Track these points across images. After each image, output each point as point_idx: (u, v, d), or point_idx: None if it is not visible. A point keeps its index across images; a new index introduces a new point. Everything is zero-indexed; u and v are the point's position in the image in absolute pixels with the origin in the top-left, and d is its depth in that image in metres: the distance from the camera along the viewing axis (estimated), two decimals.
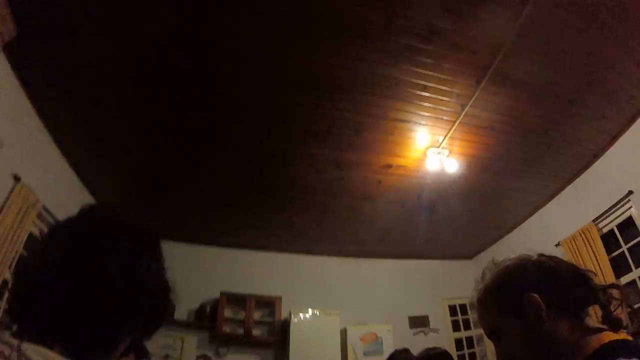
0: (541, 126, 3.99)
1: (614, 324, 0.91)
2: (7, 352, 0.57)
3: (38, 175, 3.92)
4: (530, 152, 4.34)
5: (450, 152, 4.21)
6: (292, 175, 4.59)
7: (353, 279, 6.69)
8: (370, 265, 6.85)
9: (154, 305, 0.74)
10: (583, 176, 4.73)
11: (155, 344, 5.08)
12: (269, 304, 6.16)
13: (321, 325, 5.83)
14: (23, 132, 3.72)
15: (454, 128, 3.94)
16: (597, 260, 4.24)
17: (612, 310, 0.94)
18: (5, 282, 3.64)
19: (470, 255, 7.10)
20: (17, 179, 3.62)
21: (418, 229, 5.73)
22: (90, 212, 0.75)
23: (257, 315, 6.08)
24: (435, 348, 2.80)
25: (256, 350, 6.01)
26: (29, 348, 0.58)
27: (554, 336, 0.91)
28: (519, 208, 5.50)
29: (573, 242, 4.60)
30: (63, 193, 4.37)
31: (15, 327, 0.64)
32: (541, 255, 1.04)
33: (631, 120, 4.03)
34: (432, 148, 4.19)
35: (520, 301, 0.95)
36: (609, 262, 4.20)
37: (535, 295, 0.93)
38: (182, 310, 5.89)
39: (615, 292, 0.97)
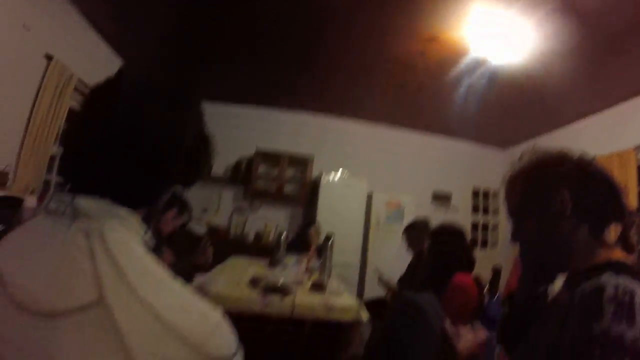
0: (624, 30, 3.45)
1: (628, 247, 0.93)
2: (61, 208, 0.63)
3: (70, 51, 3.93)
4: (599, 55, 3.81)
5: (507, 33, 3.85)
6: (331, 34, 4.29)
7: (385, 146, 6.81)
8: (404, 135, 6.88)
9: (194, 156, 0.75)
10: None
11: (194, 198, 5.46)
12: (301, 163, 6.41)
13: (349, 188, 6.09)
14: (50, 12, 3.64)
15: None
16: (625, 187, 4.07)
17: (631, 234, 0.95)
18: (52, 157, 3.93)
19: (504, 145, 6.96)
20: (49, 58, 3.66)
21: (457, 108, 5.54)
22: (127, 70, 0.75)
23: (289, 173, 6.41)
24: (452, 224, 2.95)
25: (286, 206, 6.50)
26: (82, 201, 0.64)
27: (570, 236, 0.93)
28: (565, 110, 5.12)
29: (608, 161, 4.39)
30: (97, 65, 4.38)
31: (67, 188, 0.68)
32: (583, 156, 1.02)
33: None
34: (488, 24, 3.84)
35: (549, 192, 0.95)
36: (637, 194, 4.09)
37: (566, 191, 0.94)
38: (219, 166, 6.25)
39: (638, 220, 0.97)
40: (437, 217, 4.79)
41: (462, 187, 6.97)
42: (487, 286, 3.22)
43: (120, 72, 0.73)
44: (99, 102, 0.70)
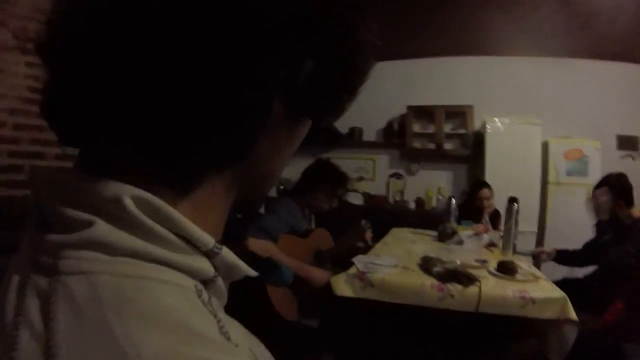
0: None
1: None
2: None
3: None
4: None
5: None
6: None
7: (555, 83, 5.67)
8: (576, 67, 5.58)
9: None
10: None
11: (348, 167, 5.28)
12: (459, 114, 5.83)
13: (520, 136, 5.30)
14: None
15: None
16: None
17: None
18: None
19: None
20: None
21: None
22: None
23: (447, 127, 5.88)
24: None
25: (449, 165, 6.00)
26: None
27: None
28: None
29: None
30: None
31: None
32: None
33: None
34: None
35: None
36: None
37: None
38: (370, 131, 6.04)
39: None
40: (624, 168, 3.84)
41: None
42: None
43: None
44: None
